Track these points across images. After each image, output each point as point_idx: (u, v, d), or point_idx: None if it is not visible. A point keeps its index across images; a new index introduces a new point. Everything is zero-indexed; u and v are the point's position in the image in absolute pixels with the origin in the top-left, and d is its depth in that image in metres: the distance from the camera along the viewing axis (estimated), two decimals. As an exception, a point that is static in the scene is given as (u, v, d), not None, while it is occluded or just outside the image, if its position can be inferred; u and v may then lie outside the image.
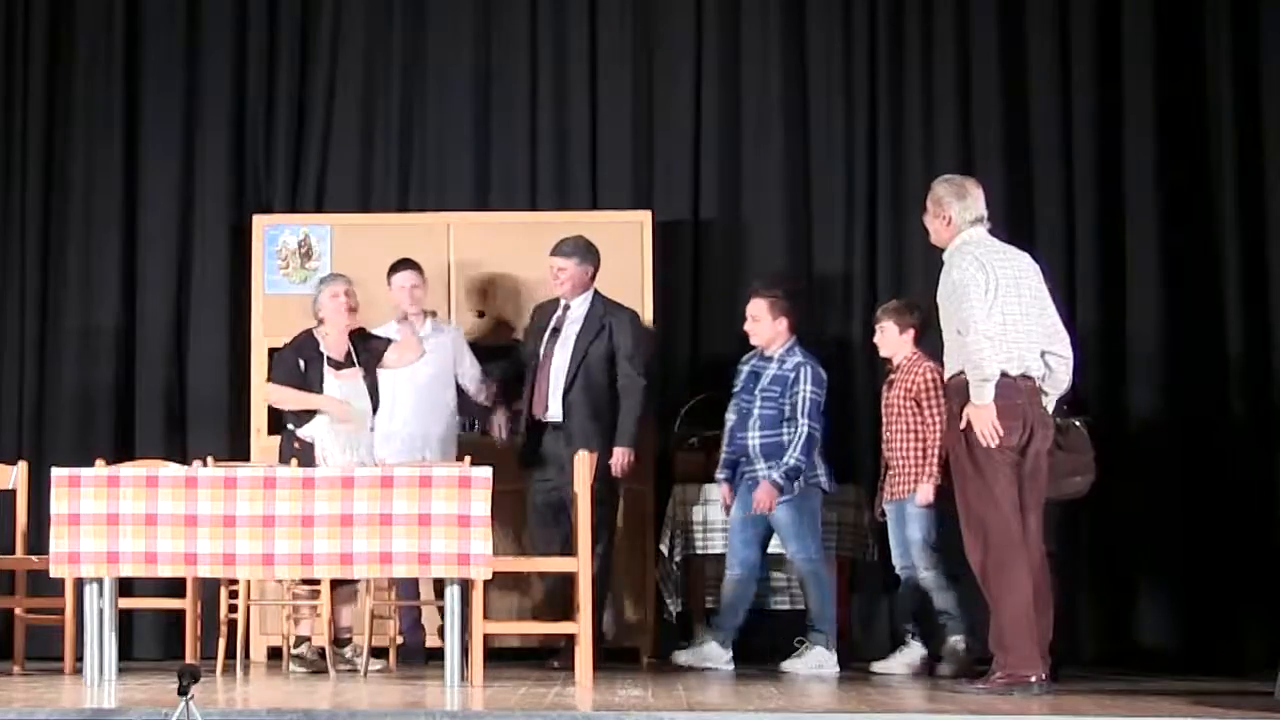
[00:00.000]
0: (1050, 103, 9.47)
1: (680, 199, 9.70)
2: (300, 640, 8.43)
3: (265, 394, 8.72)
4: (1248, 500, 8.98)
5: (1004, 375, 7.03)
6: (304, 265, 9.40)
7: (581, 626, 7.65)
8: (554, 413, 8.79)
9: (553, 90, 9.79)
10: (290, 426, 8.53)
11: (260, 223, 9.54)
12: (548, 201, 9.70)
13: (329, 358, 8.54)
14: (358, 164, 9.83)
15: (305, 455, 8.35)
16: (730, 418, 8.65)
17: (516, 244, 9.32)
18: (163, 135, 9.81)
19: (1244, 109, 9.20)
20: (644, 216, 9.43)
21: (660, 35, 9.80)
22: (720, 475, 8.69)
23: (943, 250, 7.30)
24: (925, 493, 8.27)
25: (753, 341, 8.62)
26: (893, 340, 8.48)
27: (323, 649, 8.34)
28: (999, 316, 7.05)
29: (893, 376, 8.49)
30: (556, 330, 8.86)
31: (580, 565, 7.68)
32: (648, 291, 9.27)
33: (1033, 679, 6.95)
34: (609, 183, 9.73)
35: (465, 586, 7.51)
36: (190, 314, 9.74)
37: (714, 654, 8.51)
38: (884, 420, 8.49)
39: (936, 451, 8.20)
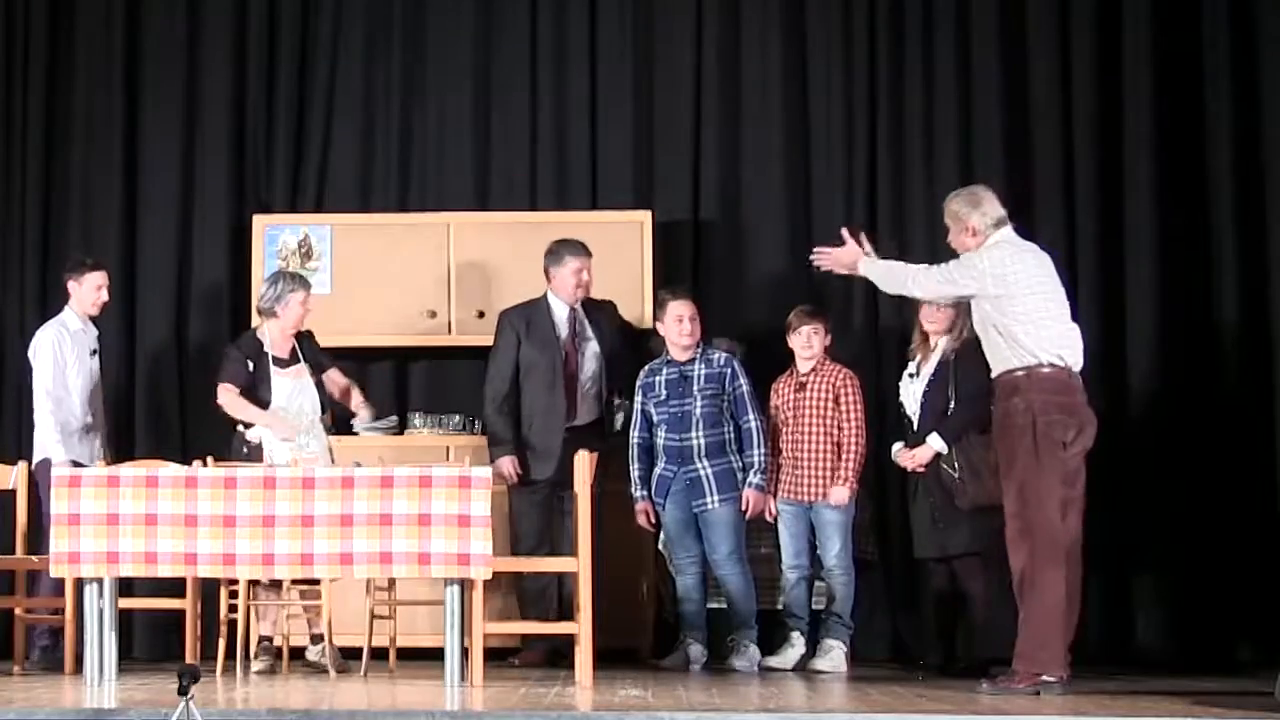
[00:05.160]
0: (1050, 102, 9.47)
1: (680, 199, 9.70)
2: (262, 639, 8.45)
3: (219, 394, 8.57)
4: (1247, 501, 8.98)
5: (1061, 369, 7.17)
6: (304, 265, 9.40)
7: (581, 626, 7.65)
8: (587, 417, 8.81)
9: (553, 90, 9.79)
10: (240, 428, 8.57)
11: (260, 223, 9.54)
12: (548, 201, 9.70)
13: (274, 356, 8.58)
14: (358, 164, 9.83)
15: (254, 455, 8.41)
16: (638, 435, 8.71)
17: (516, 244, 9.32)
18: (163, 135, 9.81)
19: (1242, 109, 9.19)
20: (644, 216, 9.43)
21: (660, 35, 9.79)
22: (639, 493, 8.75)
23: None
24: (839, 495, 8.51)
25: (687, 341, 8.66)
26: (821, 341, 8.69)
27: (279, 650, 8.39)
28: (1042, 314, 7.14)
29: (804, 378, 8.64)
30: (575, 335, 8.85)
31: (580, 565, 7.69)
32: (648, 291, 9.27)
33: (1055, 679, 6.99)
34: (609, 183, 9.73)
35: (464, 586, 7.52)
36: (190, 314, 9.74)
37: (698, 655, 8.61)
38: (788, 421, 8.63)
39: (854, 455, 8.51)
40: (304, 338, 8.72)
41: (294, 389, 8.58)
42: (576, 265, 8.81)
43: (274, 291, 8.61)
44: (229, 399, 8.51)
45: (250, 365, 8.52)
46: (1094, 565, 8.73)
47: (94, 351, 8.99)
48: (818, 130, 9.67)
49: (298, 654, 8.54)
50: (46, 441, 8.76)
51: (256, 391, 8.52)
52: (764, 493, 8.57)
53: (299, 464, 8.05)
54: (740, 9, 9.74)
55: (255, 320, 8.90)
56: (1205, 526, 9.02)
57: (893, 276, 7.52)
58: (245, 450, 8.49)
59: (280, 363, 8.59)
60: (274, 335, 8.62)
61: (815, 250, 7.87)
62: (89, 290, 8.91)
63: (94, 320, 9.06)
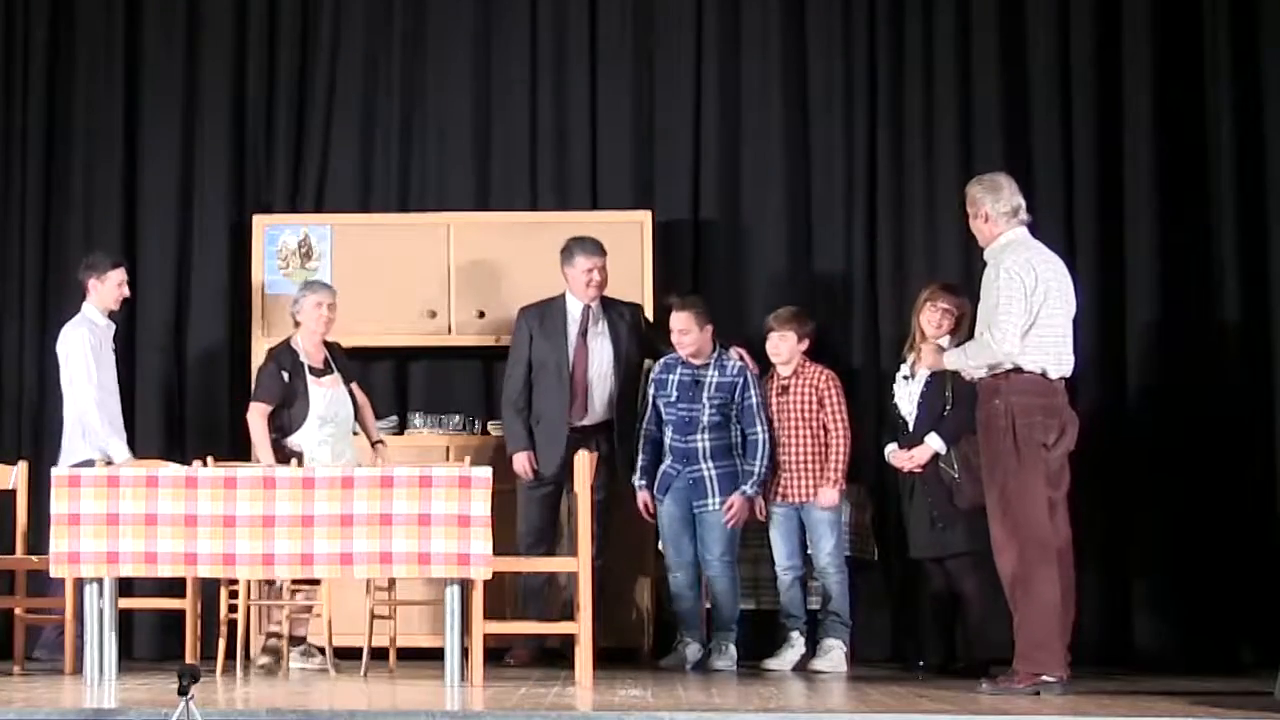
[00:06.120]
0: (1050, 102, 9.47)
1: (680, 199, 9.69)
2: (270, 635, 8.45)
3: (249, 412, 8.67)
4: (1247, 500, 8.98)
5: (1044, 376, 7.13)
6: (304, 265, 9.40)
7: (581, 626, 7.65)
8: (597, 415, 8.80)
9: (553, 90, 9.78)
10: (274, 435, 8.58)
11: (260, 223, 9.54)
12: (548, 201, 9.70)
13: (310, 366, 8.59)
14: (358, 164, 9.82)
15: (296, 464, 8.37)
16: (647, 427, 8.73)
17: (516, 244, 9.32)
18: (163, 135, 9.80)
19: (1243, 108, 9.19)
20: (644, 216, 9.42)
21: (660, 35, 9.79)
22: (641, 481, 8.75)
23: (983, 250, 7.41)
24: (828, 496, 8.53)
25: (685, 352, 8.67)
26: (790, 347, 8.68)
27: (279, 649, 8.37)
28: (1044, 319, 7.12)
29: (786, 381, 8.67)
30: (584, 332, 8.85)
31: (580, 565, 7.69)
32: (648, 291, 9.27)
33: (1054, 679, 6.99)
34: (609, 183, 9.73)
35: (465, 586, 7.52)
36: (190, 314, 9.74)
37: (694, 654, 8.63)
38: (772, 425, 8.65)
39: (842, 456, 8.54)
40: (332, 348, 8.76)
41: (332, 397, 8.62)
42: (588, 265, 8.81)
43: (296, 298, 8.71)
44: (255, 425, 8.57)
45: (286, 376, 8.55)
46: (1094, 565, 8.77)
47: (114, 348, 8.99)
48: (817, 130, 9.66)
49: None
50: (109, 441, 8.67)
51: (294, 402, 8.55)
52: (750, 501, 8.58)
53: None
54: (740, 9, 9.73)
55: (255, 330, 8.93)
56: (1205, 526, 9.01)
57: (974, 350, 7.33)
58: (285, 454, 8.50)
59: (316, 371, 8.63)
60: (306, 344, 8.66)
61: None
62: (111, 287, 8.90)
63: (110, 316, 9.06)
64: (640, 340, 8.93)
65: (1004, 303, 7.13)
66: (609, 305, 8.91)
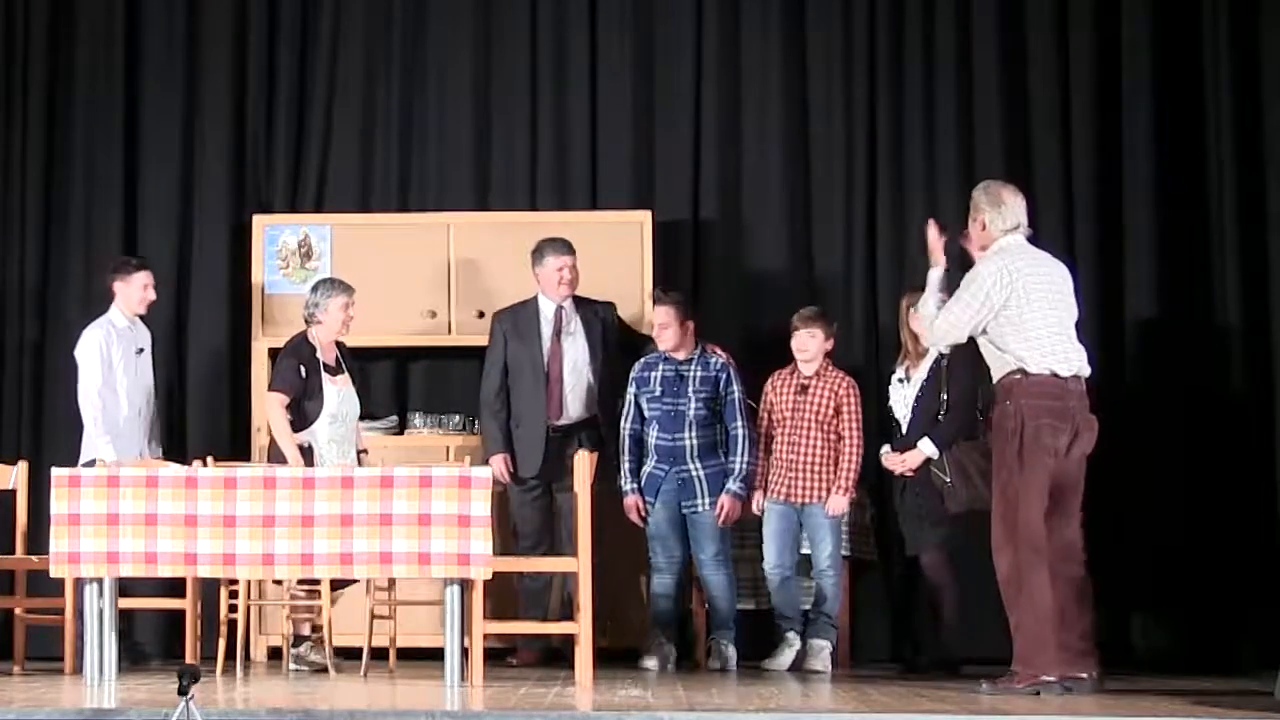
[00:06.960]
0: (1050, 103, 9.48)
1: (680, 199, 9.70)
2: (300, 639, 8.45)
3: (267, 402, 8.69)
4: (1248, 501, 8.98)
5: (1055, 375, 7.14)
6: (304, 265, 9.40)
7: (581, 626, 7.65)
8: (575, 414, 8.80)
9: (553, 90, 9.79)
10: None
11: (260, 223, 9.54)
12: (548, 201, 9.70)
13: (324, 363, 8.59)
14: (358, 164, 9.83)
15: (304, 458, 8.38)
16: (630, 427, 8.71)
17: (516, 244, 9.31)
18: (163, 135, 9.81)
19: (1243, 108, 9.19)
20: (644, 216, 9.43)
21: (660, 36, 9.79)
22: (629, 485, 8.72)
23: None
24: (839, 504, 8.52)
25: (663, 347, 8.66)
26: (818, 344, 8.66)
27: (317, 644, 8.37)
28: (1021, 320, 7.12)
29: (806, 381, 8.63)
30: (558, 332, 8.85)
31: (580, 565, 7.69)
32: (648, 292, 9.27)
33: (1054, 680, 7.00)
34: (609, 183, 9.73)
35: (465, 586, 7.52)
36: (190, 314, 9.74)
37: (670, 654, 8.58)
38: (784, 420, 8.63)
39: (854, 465, 8.53)
40: (341, 347, 8.76)
41: (344, 395, 8.62)
42: (558, 264, 8.82)
43: (314, 298, 8.67)
44: (276, 414, 8.52)
45: (303, 370, 8.54)
46: (1094, 565, 8.72)
47: (140, 350, 8.95)
48: (817, 130, 9.67)
49: (296, 654, 8.54)
50: (97, 442, 8.68)
51: (309, 398, 8.52)
52: (741, 500, 8.57)
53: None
54: (740, 10, 9.73)
55: (255, 330, 8.90)
56: (1205, 527, 9.02)
57: (930, 327, 7.47)
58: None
59: (329, 369, 8.63)
60: (322, 342, 8.64)
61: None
62: (136, 289, 8.89)
63: (143, 319, 9.04)
64: (619, 337, 8.93)
65: (960, 296, 7.21)
66: (582, 304, 8.92)
